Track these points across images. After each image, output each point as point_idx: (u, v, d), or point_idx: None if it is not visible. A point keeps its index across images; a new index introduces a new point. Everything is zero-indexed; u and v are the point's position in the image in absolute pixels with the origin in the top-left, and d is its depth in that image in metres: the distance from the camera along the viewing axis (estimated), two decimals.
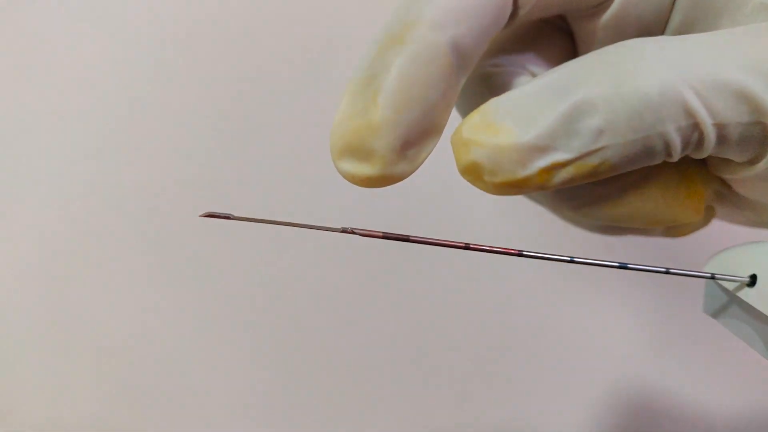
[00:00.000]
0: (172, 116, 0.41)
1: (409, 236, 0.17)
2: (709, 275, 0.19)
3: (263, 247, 0.40)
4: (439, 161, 0.38)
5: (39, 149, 0.41)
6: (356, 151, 0.15)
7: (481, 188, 0.16)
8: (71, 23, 0.42)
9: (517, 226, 0.40)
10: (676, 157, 0.16)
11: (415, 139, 0.16)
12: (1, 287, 0.40)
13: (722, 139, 0.16)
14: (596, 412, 0.40)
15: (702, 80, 0.15)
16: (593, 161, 0.15)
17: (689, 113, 0.15)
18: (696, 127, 0.15)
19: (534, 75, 0.20)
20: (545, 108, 0.15)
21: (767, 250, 0.19)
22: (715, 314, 0.20)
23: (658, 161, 0.16)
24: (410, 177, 0.18)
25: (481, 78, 0.19)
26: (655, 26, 0.19)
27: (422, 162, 0.16)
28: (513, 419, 0.40)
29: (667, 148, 0.16)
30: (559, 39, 0.20)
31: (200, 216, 0.16)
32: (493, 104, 0.16)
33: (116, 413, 0.39)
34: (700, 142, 0.16)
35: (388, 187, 0.17)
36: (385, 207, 0.40)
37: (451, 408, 0.40)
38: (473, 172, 0.16)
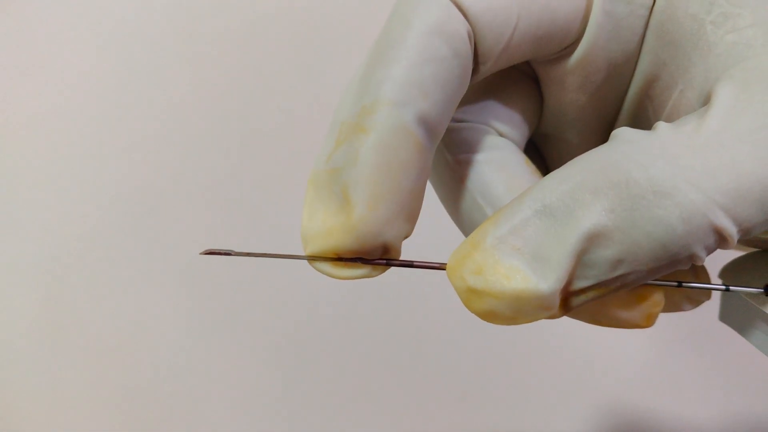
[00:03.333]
0: (174, 119, 0.41)
1: (413, 262, 0.16)
2: (724, 287, 0.18)
3: (262, 245, 0.40)
4: None
5: (39, 151, 0.41)
6: (335, 253, 0.14)
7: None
8: (70, 24, 0.42)
9: None
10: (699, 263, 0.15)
11: (395, 230, 0.15)
12: (1, 289, 0.40)
13: (746, 234, 0.14)
14: (597, 420, 0.40)
15: (726, 193, 0.13)
16: (614, 285, 0.14)
17: (718, 232, 0.14)
18: (723, 239, 0.14)
19: (499, 132, 0.18)
20: (554, 243, 0.14)
21: None
22: (731, 322, 0.20)
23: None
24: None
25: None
26: (624, 68, 0.17)
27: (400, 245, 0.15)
28: (514, 426, 0.40)
29: (692, 261, 0.14)
30: (523, 84, 0.19)
31: (201, 254, 0.16)
32: (493, 239, 0.14)
33: (116, 414, 0.39)
34: (724, 245, 0.14)
35: None
36: None
37: (453, 413, 0.40)
38: (488, 317, 0.15)
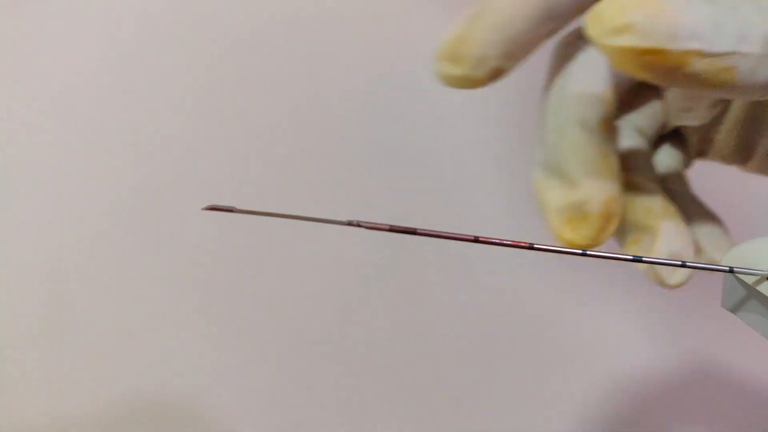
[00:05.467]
0: (171, 111, 0.41)
1: (416, 229, 0.16)
2: (728, 269, 0.18)
3: (265, 245, 0.40)
4: (449, 157, 0.37)
5: (39, 149, 0.41)
6: (449, 56, 0.19)
7: (613, 53, 0.17)
8: (70, 24, 0.42)
9: (526, 222, 0.40)
10: None
11: (499, 56, 0.19)
12: (1, 287, 0.40)
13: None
14: (598, 411, 0.40)
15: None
16: (724, 63, 0.16)
17: None
18: None
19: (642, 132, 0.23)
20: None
21: None
22: (734, 309, 0.20)
23: None
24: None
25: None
26: None
27: (499, 76, 0.19)
28: (514, 419, 0.40)
29: None
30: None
31: (203, 209, 0.16)
32: None
33: (116, 413, 0.39)
34: None
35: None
36: (392, 202, 0.40)
37: (452, 408, 0.40)
38: (621, 32, 0.16)
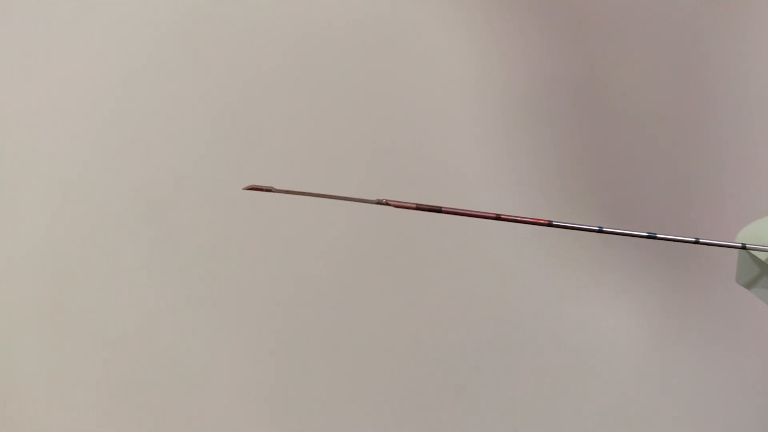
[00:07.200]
0: (179, 105, 0.41)
1: (441, 207, 0.17)
2: (740, 245, 0.19)
3: (263, 242, 0.41)
4: (465, 137, 0.38)
5: (39, 146, 0.41)
6: None
7: None
8: (71, 23, 0.42)
9: (542, 200, 0.40)
10: None
11: None
12: (1, 286, 0.41)
13: None
14: (597, 406, 0.40)
15: None
16: None
17: None
18: None
19: None
20: None
21: None
22: (748, 284, 0.21)
23: None
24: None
25: None
26: None
27: None
28: (514, 414, 0.41)
29: None
30: None
31: (244, 189, 0.17)
32: None
33: (117, 413, 0.40)
34: None
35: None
36: (413, 182, 0.40)
37: (449, 404, 0.41)
38: None
